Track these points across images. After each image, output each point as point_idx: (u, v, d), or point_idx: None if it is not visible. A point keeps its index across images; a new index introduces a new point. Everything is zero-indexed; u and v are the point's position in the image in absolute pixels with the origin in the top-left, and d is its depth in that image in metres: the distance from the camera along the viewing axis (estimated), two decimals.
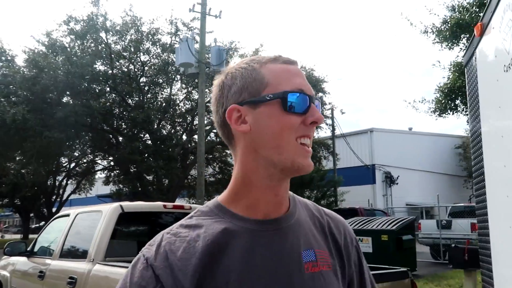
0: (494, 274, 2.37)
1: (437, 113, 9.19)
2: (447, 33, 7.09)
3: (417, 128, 51.68)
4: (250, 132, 0.84)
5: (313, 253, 0.87)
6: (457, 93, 8.14)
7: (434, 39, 8.25)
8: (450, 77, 8.31)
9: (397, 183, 26.63)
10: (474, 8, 6.75)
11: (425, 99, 9.29)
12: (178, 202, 16.14)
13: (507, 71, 2.10)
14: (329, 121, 23.20)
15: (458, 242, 13.86)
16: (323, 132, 23.63)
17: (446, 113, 9.14)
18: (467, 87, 2.91)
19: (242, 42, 64.23)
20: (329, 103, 22.56)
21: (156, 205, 4.88)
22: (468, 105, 2.88)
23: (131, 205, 4.72)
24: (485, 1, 6.88)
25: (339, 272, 0.90)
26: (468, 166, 29.91)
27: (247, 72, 0.86)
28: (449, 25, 7.07)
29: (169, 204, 4.92)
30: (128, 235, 4.83)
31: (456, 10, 7.27)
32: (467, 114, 9.71)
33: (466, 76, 2.92)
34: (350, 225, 11.86)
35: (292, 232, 0.87)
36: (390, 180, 26.75)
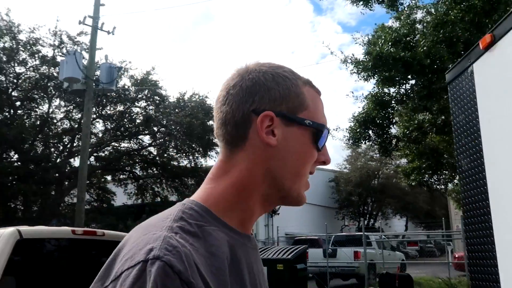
0: None
1: (351, 141, 9.75)
2: (369, 63, 7.62)
3: None
4: (275, 148, 0.78)
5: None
6: (371, 122, 8.74)
7: (352, 70, 8.84)
8: (366, 107, 8.92)
9: (278, 213, 27.48)
10: (389, 44, 7.43)
11: (339, 127, 9.88)
12: None
13: None
14: (218, 149, 23.13)
15: (343, 270, 14.63)
16: (212, 160, 23.48)
17: (360, 142, 9.75)
18: (451, 105, 2.93)
19: (134, 62, 61.71)
20: None
21: (63, 231, 4.25)
22: (453, 123, 2.90)
23: (31, 231, 3.97)
24: (401, 40, 7.59)
25: None
26: (340, 198, 32.49)
27: (291, 84, 0.82)
28: (371, 56, 7.61)
29: (79, 230, 4.34)
30: (27, 268, 3.91)
31: (377, 44, 7.92)
32: (378, 143, 10.54)
33: (450, 93, 2.95)
34: None
35: (257, 249, 0.88)
36: (272, 210, 27.49)
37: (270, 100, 0.79)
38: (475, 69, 2.65)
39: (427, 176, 10.34)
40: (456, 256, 17.64)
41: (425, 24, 7.51)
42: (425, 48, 6.89)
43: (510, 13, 2.35)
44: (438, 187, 11.39)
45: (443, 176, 10.64)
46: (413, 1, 9.26)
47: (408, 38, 7.64)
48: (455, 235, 22.64)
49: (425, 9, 8.31)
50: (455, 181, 10.71)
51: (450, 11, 7.87)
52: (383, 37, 7.92)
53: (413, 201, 30.68)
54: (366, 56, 7.88)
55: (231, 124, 0.80)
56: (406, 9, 9.03)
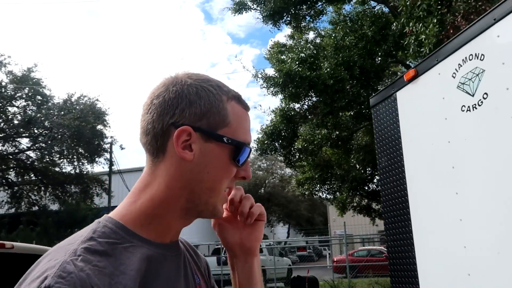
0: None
1: (259, 152, 10.11)
2: (280, 80, 8.05)
3: None
4: (190, 162, 0.79)
5: (198, 275, 0.93)
6: (278, 135, 9.19)
7: (262, 84, 9.21)
8: (274, 120, 9.35)
9: None
10: (296, 63, 7.96)
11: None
12: None
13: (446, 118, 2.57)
14: (107, 155, 21.98)
15: None
16: (100, 167, 22.23)
17: (267, 153, 10.15)
18: (374, 125, 3.36)
19: (13, 57, 54.99)
20: (110, 137, 21.49)
21: None
22: (376, 142, 3.32)
23: None
24: (308, 61, 8.17)
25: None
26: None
27: (215, 100, 0.81)
28: (281, 73, 8.05)
29: None
30: None
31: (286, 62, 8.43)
32: (283, 155, 11.05)
33: (374, 115, 3.37)
34: None
35: (183, 255, 0.90)
36: None
37: (190, 114, 0.79)
38: (398, 96, 3.10)
39: (318, 186, 11.22)
40: (335, 260, 19.20)
41: (326, 48, 8.27)
42: (328, 69, 7.61)
43: (433, 53, 2.84)
44: (327, 196, 12.42)
45: (332, 186, 11.67)
46: (313, 24, 10.08)
47: (312, 59, 8.35)
48: (333, 240, 24.57)
49: (325, 33, 9.14)
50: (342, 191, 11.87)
51: (345, 37, 8.74)
52: (289, 56, 8.53)
53: (296, 209, 32.48)
54: (277, 73, 8.38)
55: (151, 134, 0.80)
56: (306, 31, 9.81)
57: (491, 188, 2.27)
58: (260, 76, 9.33)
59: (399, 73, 10.55)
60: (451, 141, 2.56)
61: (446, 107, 2.62)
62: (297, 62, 7.95)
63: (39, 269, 0.69)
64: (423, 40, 5.13)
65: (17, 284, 0.69)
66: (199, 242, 26.46)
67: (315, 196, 14.14)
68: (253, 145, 10.24)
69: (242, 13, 9.70)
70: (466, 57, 2.47)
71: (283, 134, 9.00)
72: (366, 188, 13.34)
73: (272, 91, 8.87)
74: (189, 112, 0.79)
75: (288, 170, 34.63)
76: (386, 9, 8.80)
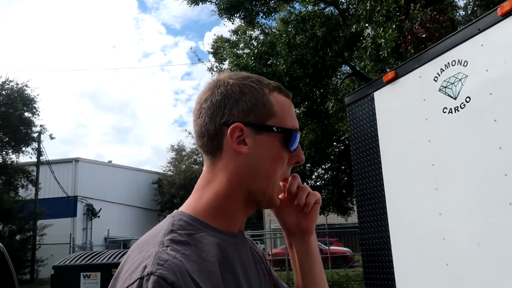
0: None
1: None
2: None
3: (118, 161, 52.24)
4: (247, 156, 0.84)
5: (262, 264, 0.98)
6: None
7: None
8: None
9: (99, 216, 25.91)
10: (252, 58, 7.96)
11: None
12: None
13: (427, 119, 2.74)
14: (35, 145, 20.60)
15: None
16: (28, 157, 20.79)
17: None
18: (350, 123, 3.49)
19: None
20: (39, 126, 20.12)
21: None
22: (351, 138, 3.45)
23: None
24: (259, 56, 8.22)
25: (272, 280, 1.03)
26: (162, 200, 32.41)
27: (258, 94, 0.87)
28: (238, 68, 8.03)
29: None
30: None
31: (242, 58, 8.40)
32: None
33: (349, 114, 3.50)
34: (73, 261, 10.94)
35: (249, 245, 0.95)
36: (92, 213, 25.76)
37: (239, 111, 0.84)
38: (376, 96, 3.25)
39: None
40: (270, 253, 19.58)
41: (278, 44, 8.42)
42: (283, 66, 7.75)
43: (413, 57, 3.00)
44: None
45: None
46: (266, 21, 10.18)
47: (267, 56, 8.46)
48: (267, 234, 25.01)
49: (277, 31, 9.28)
50: None
51: (297, 36, 8.93)
52: (246, 51, 8.56)
53: None
54: (234, 68, 8.38)
55: (206, 136, 0.87)
56: (257, 27, 9.88)
57: (471, 184, 2.46)
58: (216, 69, 9.29)
59: (345, 73, 11.00)
60: (432, 140, 2.74)
61: (427, 108, 2.79)
62: (252, 58, 8.03)
63: (133, 262, 0.73)
64: (382, 44, 5.43)
65: (113, 281, 0.73)
66: (131, 237, 25.79)
67: None
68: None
69: (198, 4, 9.58)
70: (449, 63, 2.66)
71: None
72: (305, 183, 13.71)
73: None
74: (237, 110, 0.84)
75: None
76: (335, 11, 9.13)
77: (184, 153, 34.85)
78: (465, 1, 6.78)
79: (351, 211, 16.03)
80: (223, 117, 0.85)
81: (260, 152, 0.85)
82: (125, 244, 25.65)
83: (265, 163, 0.85)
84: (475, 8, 7.01)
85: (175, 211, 0.88)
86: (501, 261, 2.25)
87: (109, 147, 66.30)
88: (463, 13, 7.18)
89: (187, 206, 0.87)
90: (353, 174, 3.47)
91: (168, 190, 31.29)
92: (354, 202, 16.12)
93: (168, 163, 34.08)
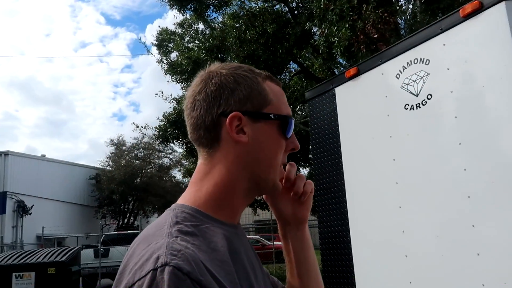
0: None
1: (160, 140, 9.59)
2: (189, 67, 7.77)
3: (52, 156, 49.44)
4: (246, 144, 0.84)
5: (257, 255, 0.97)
6: (182, 123, 8.86)
7: (167, 70, 8.77)
8: (178, 108, 8.96)
9: (30, 213, 24.43)
10: (203, 51, 7.77)
11: (148, 125, 9.56)
12: None
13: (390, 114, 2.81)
14: None
15: (114, 270, 14.24)
16: None
17: (169, 141, 9.68)
18: (310, 118, 3.51)
19: None
20: None
21: None
22: (311, 133, 3.47)
23: None
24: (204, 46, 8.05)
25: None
26: (100, 196, 31.26)
27: (253, 83, 0.87)
28: (190, 60, 7.78)
29: None
30: None
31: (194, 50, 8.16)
32: (185, 144, 10.68)
33: (309, 108, 3.52)
34: (4, 261, 10.32)
35: (246, 236, 0.95)
36: (23, 209, 24.22)
37: (235, 101, 0.84)
38: (338, 92, 3.29)
39: None
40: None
41: (228, 39, 8.33)
42: (235, 61, 7.67)
43: (375, 55, 3.07)
44: None
45: None
46: (216, 14, 10.04)
47: (218, 50, 8.33)
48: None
49: (227, 25, 9.19)
50: None
51: (247, 31, 8.91)
52: (197, 43, 8.39)
53: (173, 199, 31.94)
54: (186, 61, 8.15)
55: (203, 128, 0.86)
56: (206, 20, 9.73)
57: (431, 179, 2.55)
58: (165, 61, 9.01)
59: (293, 71, 11.14)
60: (393, 136, 2.82)
61: (388, 104, 2.87)
62: (203, 51, 7.88)
63: (142, 255, 0.69)
64: (335, 42, 5.52)
65: (116, 280, 0.70)
66: (66, 234, 24.57)
67: None
68: (154, 132, 9.86)
69: None
70: (411, 61, 2.74)
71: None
72: None
73: (176, 79, 8.63)
74: (233, 99, 0.85)
75: (166, 160, 34.04)
76: (285, 9, 9.21)
77: (124, 147, 33.73)
78: (411, 6, 7.09)
79: None
80: (220, 107, 0.84)
81: (260, 139, 0.85)
82: (60, 242, 24.37)
83: (266, 150, 0.86)
84: (418, 14, 7.36)
85: (173, 204, 0.86)
86: (458, 253, 2.36)
87: (42, 141, 62.72)
88: (409, 17, 7.51)
89: (187, 199, 0.85)
90: (312, 169, 3.50)
91: (107, 186, 30.14)
92: None
93: (107, 158, 32.79)
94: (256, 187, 0.88)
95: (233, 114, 0.83)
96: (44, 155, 30.32)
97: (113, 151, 33.71)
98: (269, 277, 1.02)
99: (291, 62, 9.69)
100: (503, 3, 2.24)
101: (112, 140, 33.87)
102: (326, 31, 5.91)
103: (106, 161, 33.37)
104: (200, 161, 0.89)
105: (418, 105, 2.66)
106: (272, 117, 0.86)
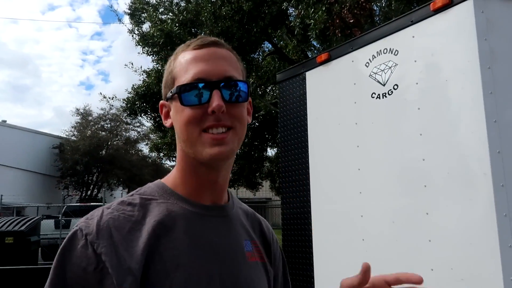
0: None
1: (128, 112, 9.35)
2: (161, 40, 7.55)
3: (14, 122, 47.60)
4: (173, 127, 0.88)
5: (250, 244, 0.91)
6: (151, 97, 8.63)
7: (138, 41, 8.50)
8: (147, 81, 8.73)
9: None
10: (176, 25, 7.55)
11: (116, 96, 9.28)
12: None
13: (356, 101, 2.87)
14: None
15: None
16: None
17: (137, 114, 9.45)
18: (279, 100, 3.52)
19: None
20: None
21: None
22: (280, 115, 3.49)
23: None
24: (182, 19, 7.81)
25: (267, 266, 0.95)
26: (64, 167, 30.57)
27: (169, 65, 0.88)
28: (163, 33, 7.56)
29: None
30: None
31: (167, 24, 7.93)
32: (152, 118, 10.47)
33: (279, 91, 3.53)
34: None
35: (235, 221, 0.91)
36: None
37: (164, 90, 0.89)
38: (308, 76, 3.32)
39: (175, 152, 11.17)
40: None
41: (203, 14, 8.15)
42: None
43: (347, 42, 3.10)
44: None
45: None
46: None
47: (192, 24, 8.13)
48: None
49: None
50: None
51: (223, 7, 8.75)
52: (170, 16, 8.17)
53: (139, 173, 31.68)
54: (158, 33, 7.93)
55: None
56: None
57: (391, 167, 2.64)
58: (137, 32, 8.76)
59: (266, 50, 11.07)
60: (359, 123, 2.88)
61: (356, 92, 2.92)
62: (177, 24, 7.69)
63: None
64: (311, 25, 5.52)
65: None
66: (26, 204, 23.95)
67: (172, 163, 14.05)
68: (122, 104, 9.61)
69: None
70: (381, 50, 2.78)
71: (157, 96, 8.65)
72: None
73: (147, 51, 8.43)
74: (163, 87, 0.90)
75: (133, 133, 33.47)
76: None
77: (90, 118, 32.89)
78: None
79: (260, 186, 16.49)
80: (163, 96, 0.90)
81: (176, 119, 0.86)
82: (19, 212, 23.78)
83: (178, 126, 0.86)
84: (393, 2, 7.42)
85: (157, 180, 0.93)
86: (412, 238, 2.46)
87: (3, 106, 60.30)
88: (384, 4, 7.57)
89: (167, 175, 0.92)
90: (279, 151, 3.54)
91: (70, 156, 29.43)
92: (263, 177, 16.62)
93: (72, 127, 31.91)
94: (196, 162, 0.84)
95: (160, 103, 0.91)
96: (5, 121, 29.24)
97: (79, 120, 32.88)
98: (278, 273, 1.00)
99: (265, 42, 9.65)
100: (471, 0, 2.30)
101: (78, 110, 32.99)
102: (302, 12, 5.91)
103: (71, 131, 32.54)
104: None
105: (384, 94, 2.72)
106: (172, 93, 0.84)
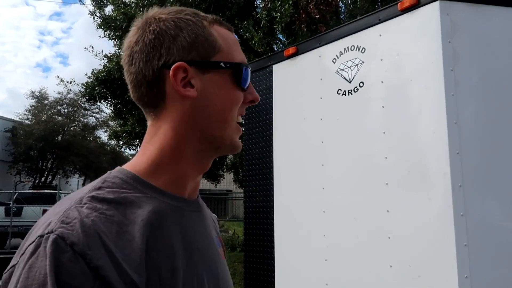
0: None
1: (86, 98, 8.94)
2: (124, 24, 7.25)
3: None
4: (195, 99, 0.74)
5: (218, 241, 0.87)
6: (112, 83, 8.27)
7: (100, 24, 8.13)
8: (108, 66, 8.38)
9: None
10: (141, 10, 7.29)
11: (74, 81, 8.86)
12: None
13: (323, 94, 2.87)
14: None
15: (27, 230, 13.50)
16: None
17: (96, 100, 9.04)
18: None
19: None
20: None
21: None
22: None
23: None
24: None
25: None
26: (16, 151, 29.37)
27: (197, 28, 0.75)
28: (126, 17, 7.26)
29: None
30: None
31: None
32: (113, 105, 10.09)
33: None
34: None
35: (206, 216, 0.85)
36: None
37: (178, 49, 0.74)
38: (275, 69, 3.29)
39: (138, 140, 10.93)
40: None
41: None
42: None
43: (315, 36, 3.09)
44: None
45: None
46: None
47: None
48: None
49: None
50: None
51: None
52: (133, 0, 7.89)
53: (96, 160, 30.88)
54: (121, 16, 7.63)
55: (144, 84, 0.75)
56: None
57: (354, 164, 2.66)
58: (99, 15, 8.41)
59: None
60: (324, 119, 2.88)
61: (322, 88, 2.92)
62: (141, 9, 7.45)
63: (43, 219, 0.64)
64: (277, 18, 5.49)
65: (25, 239, 0.64)
66: None
67: (132, 151, 13.72)
68: (80, 89, 9.24)
69: None
70: (348, 47, 2.79)
71: (118, 82, 8.32)
72: None
73: (109, 34, 8.11)
74: (175, 47, 0.73)
75: (92, 120, 32.47)
76: None
77: (46, 101, 31.62)
78: None
79: (221, 178, 16.44)
80: (161, 58, 0.73)
81: (211, 93, 0.74)
82: None
83: (217, 104, 0.75)
84: (358, 0, 7.51)
85: (117, 167, 0.76)
86: (372, 235, 2.50)
87: None
88: (349, 2, 7.65)
89: (129, 163, 0.76)
90: (243, 143, 3.50)
91: (24, 141, 28.25)
92: (225, 169, 16.59)
93: (26, 110, 30.60)
94: (211, 147, 0.77)
95: (177, 64, 0.72)
96: None
97: (34, 104, 31.58)
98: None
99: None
100: (437, 2, 2.34)
101: (33, 92, 31.66)
102: (269, 4, 5.87)
103: (25, 114, 31.23)
104: (148, 123, 0.79)
105: (350, 91, 2.73)
106: (223, 65, 0.75)
